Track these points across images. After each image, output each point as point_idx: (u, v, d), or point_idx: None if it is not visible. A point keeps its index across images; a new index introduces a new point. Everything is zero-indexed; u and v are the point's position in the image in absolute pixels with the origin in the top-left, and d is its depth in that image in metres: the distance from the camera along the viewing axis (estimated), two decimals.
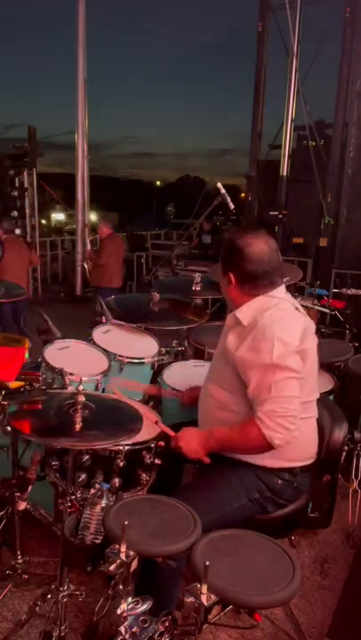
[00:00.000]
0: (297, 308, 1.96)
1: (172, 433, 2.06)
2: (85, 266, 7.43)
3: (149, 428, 2.12)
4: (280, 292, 1.95)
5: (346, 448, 2.75)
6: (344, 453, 2.69)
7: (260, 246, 1.90)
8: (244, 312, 1.92)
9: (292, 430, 1.76)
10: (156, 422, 2.17)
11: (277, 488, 1.92)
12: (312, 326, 1.97)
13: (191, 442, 1.95)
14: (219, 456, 1.96)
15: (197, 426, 2.08)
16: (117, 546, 1.45)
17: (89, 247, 8.95)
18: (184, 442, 1.95)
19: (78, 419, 1.77)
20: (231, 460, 1.93)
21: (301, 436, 1.86)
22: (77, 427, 1.74)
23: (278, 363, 1.76)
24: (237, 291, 1.96)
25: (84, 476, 2.05)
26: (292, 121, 8.21)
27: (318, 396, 2.03)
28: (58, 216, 22.21)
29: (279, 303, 1.91)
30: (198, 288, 3.39)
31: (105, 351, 2.86)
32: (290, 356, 1.78)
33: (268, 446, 1.78)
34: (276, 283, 1.94)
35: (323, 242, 7.74)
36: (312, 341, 1.92)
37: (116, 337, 3.04)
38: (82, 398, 1.81)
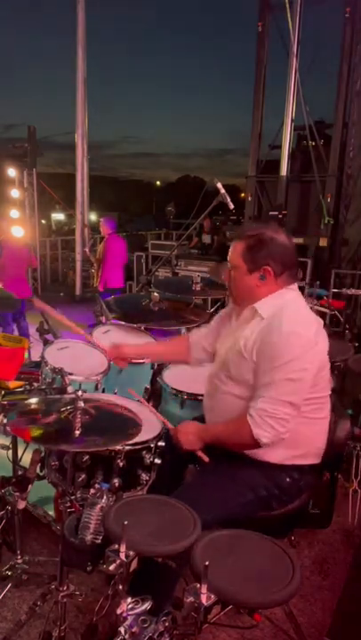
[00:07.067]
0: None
1: (170, 426, 2.10)
2: (94, 266, 7.46)
3: (149, 427, 2.12)
4: (295, 286, 1.97)
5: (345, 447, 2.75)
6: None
7: (286, 236, 1.92)
8: (265, 306, 1.90)
9: (281, 432, 1.78)
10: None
11: (285, 486, 1.91)
12: (321, 322, 1.97)
13: (188, 434, 1.99)
14: (223, 453, 1.96)
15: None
16: (117, 546, 1.45)
17: (88, 248, 8.95)
18: (182, 434, 1.99)
19: (78, 424, 1.76)
20: (237, 456, 1.93)
21: (315, 434, 1.90)
22: (77, 432, 1.73)
23: (286, 361, 1.76)
24: (269, 285, 1.90)
25: (83, 476, 2.05)
26: (292, 121, 8.22)
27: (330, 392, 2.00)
28: (58, 216, 22.20)
29: (296, 297, 1.93)
30: (198, 288, 3.38)
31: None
32: (301, 353, 1.77)
33: (255, 444, 1.81)
34: (297, 275, 1.96)
35: (323, 242, 7.75)
36: (324, 337, 1.92)
37: (116, 337, 3.04)
38: (81, 404, 1.81)
